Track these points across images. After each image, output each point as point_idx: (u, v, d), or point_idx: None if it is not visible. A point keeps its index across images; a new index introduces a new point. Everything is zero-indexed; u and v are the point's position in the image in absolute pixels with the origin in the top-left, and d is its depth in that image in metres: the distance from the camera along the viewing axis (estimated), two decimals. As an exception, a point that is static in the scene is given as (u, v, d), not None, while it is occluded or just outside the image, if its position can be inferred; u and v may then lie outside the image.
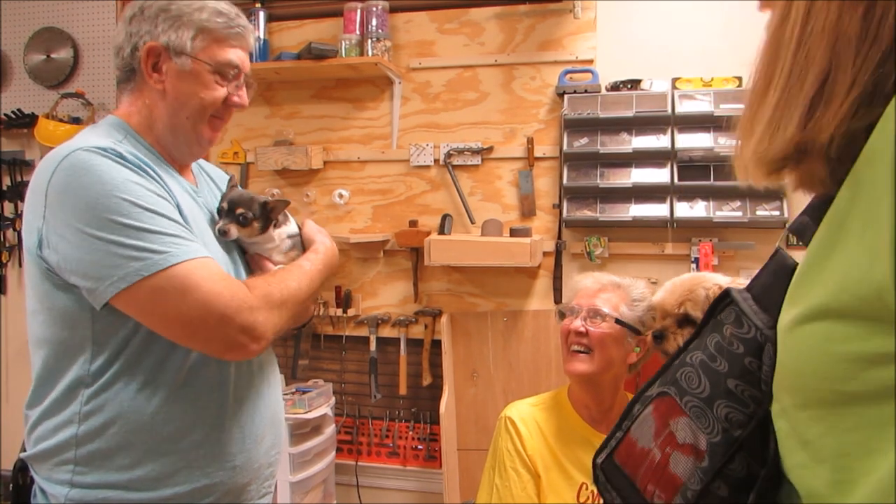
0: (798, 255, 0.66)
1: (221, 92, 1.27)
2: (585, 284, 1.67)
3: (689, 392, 0.69)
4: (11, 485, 1.25)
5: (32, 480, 1.22)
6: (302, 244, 1.40)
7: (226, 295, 1.11)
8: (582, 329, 1.56)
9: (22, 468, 1.24)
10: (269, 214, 1.33)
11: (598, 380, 1.58)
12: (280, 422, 1.39)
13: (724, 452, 0.65)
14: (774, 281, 0.67)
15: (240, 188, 1.37)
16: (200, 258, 1.13)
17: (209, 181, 1.41)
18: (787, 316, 0.61)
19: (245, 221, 1.29)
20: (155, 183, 1.17)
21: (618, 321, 1.56)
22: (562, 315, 1.66)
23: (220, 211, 1.30)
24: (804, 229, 0.65)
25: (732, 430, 0.65)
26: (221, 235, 1.28)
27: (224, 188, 1.42)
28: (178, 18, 1.22)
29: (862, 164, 0.54)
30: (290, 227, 1.38)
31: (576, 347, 1.57)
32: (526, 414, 1.64)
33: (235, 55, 1.28)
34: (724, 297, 0.73)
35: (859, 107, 0.56)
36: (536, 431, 1.61)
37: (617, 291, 1.63)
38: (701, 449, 0.67)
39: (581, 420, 1.62)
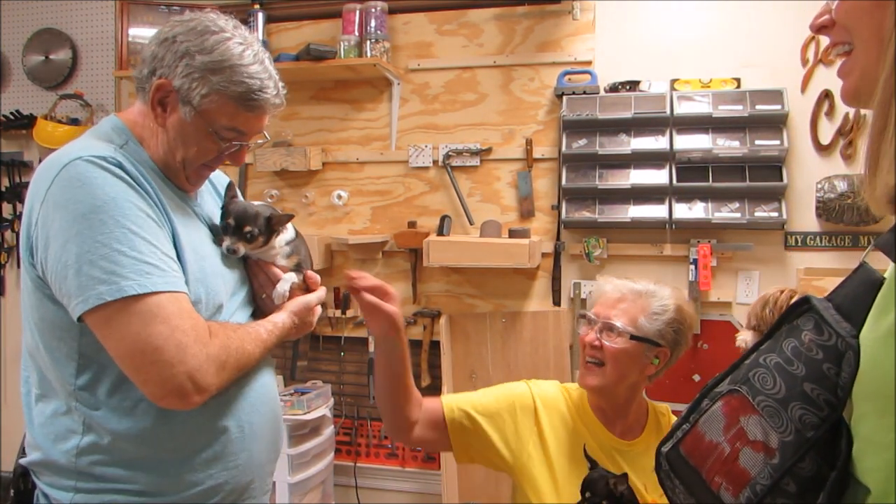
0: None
1: (214, 149, 1.25)
2: (605, 291, 1.60)
3: (762, 392, 0.73)
4: (13, 490, 1.24)
5: (34, 485, 1.22)
6: (302, 249, 1.42)
7: (189, 334, 1.10)
8: (597, 343, 1.54)
9: (23, 473, 1.23)
10: (272, 227, 1.35)
11: (611, 391, 1.55)
12: (278, 418, 1.39)
13: (796, 452, 0.68)
14: (859, 293, 0.70)
15: (240, 198, 1.38)
16: (170, 293, 1.11)
17: (207, 184, 1.41)
18: (877, 325, 0.64)
19: (252, 238, 1.31)
20: (149, 200, 1.16)
21: (633, 337, 1.51)
22: (581, 321, 1.62)
23: (226, 228, 1.31)
24: (889, 245, 0.69)
25: (805, 431, 0.68)
26: (230, 254, 1.29)
27: (221, 190, 1.43)
28: (198, 71, 1.18)
29: None
30: (289, 233, 1.41)
31: (590, 359, 1.55)
32: (551, 401, 1.60)
33: (244, 121, 1.25)
34: (802, 304, 0.76)
35: None
36: (559, 422, 1.59)
37: (638, 301, 1.54)
38: (772, 446, 0.70)
39: (601, 425, 1.58)
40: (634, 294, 1.56)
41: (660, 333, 1.52)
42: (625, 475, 1.40)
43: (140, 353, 1.08)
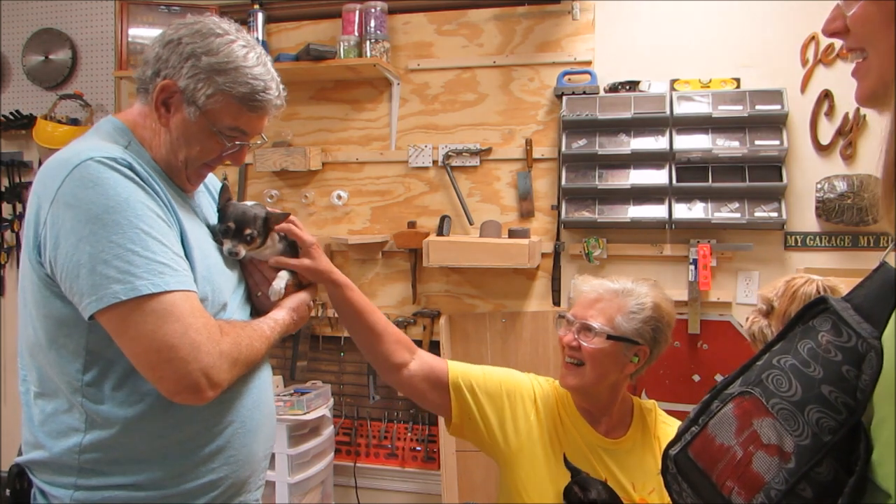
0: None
1: (216, 149, 1.27)
2: (583, 291, 1.61)
3: (777, 394, 0.71)
4: (9, 490, 1.24)
5: (30, 484, 1.22)
6: (294, 248, 1.44)
7: (202, 332, 1.12)
8: (575, 344, 1.54)
9: (19, 473, 1.23)
10: (269, 228, 1.38)
11: (592, 390, 1.56)
12: (273, 413, 1.41)
13: (812, 456, 0.67)
14: (881, 294, 0.69)
15: (234, 200, 1.40)
16: (182, 291, 1.13)
17: (201, 185, 1.42)
18: None
19: (251, 240, 1.34)
20: (159, 200, 1.17)
21: (610, 336, 1.51)
22: (560, 321, 1.63)
23: (226, 231, 1.33)
24: None
25: (822, 434, 0.67)
26: (231, 256, 1.32)
27: (213, 190, 1.45)
28: (204, 72, 1.20)
29: None
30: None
31: (569, 359, 1.56)
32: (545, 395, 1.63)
33: (247, 122, 1.27)
34: (818, 304, 0.75)
35: None
36: (552, 415, 1.61)
37: (615, 300, 1.55)
38: (787, 450, 0.69)
39: (586, 424, 1.59)
40: (611, 293, 1.57)
41: (637, 332, 1.53)
42: (596, 479, 1.42)
43: (155, 352, 1.09)
